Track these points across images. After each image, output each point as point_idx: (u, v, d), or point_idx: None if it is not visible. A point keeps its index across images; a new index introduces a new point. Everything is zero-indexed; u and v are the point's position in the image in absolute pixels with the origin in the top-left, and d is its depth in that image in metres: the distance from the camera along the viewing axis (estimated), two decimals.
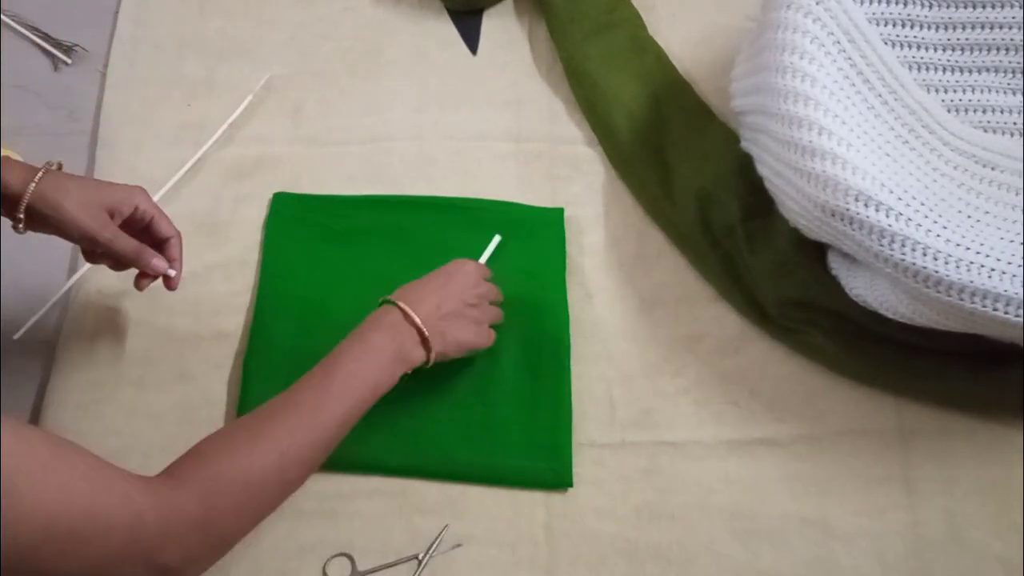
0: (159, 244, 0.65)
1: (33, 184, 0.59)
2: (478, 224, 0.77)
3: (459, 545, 0.66)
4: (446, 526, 0.67)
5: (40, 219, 0.60)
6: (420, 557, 0.66)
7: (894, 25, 0.70)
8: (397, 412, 0.70)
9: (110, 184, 0.64)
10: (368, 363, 0.60)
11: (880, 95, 0.68)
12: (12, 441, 0.41)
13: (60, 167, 0.62)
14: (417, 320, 0.62)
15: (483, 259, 0.74)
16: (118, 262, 0.65)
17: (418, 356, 0.62)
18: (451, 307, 0.64)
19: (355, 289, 0.74)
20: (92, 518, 0.44)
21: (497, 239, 0.75)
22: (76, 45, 0.86)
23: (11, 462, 0.41)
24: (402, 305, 0.62)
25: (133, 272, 0.75)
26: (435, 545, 0.66)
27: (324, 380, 0.58)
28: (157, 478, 0.52)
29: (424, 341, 0.62)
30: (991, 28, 0.70)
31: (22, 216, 0.59)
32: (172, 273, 0.65)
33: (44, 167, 0.60)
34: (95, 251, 0.64)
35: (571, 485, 0.68)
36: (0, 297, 0.75)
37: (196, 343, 0.73)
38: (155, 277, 0.65)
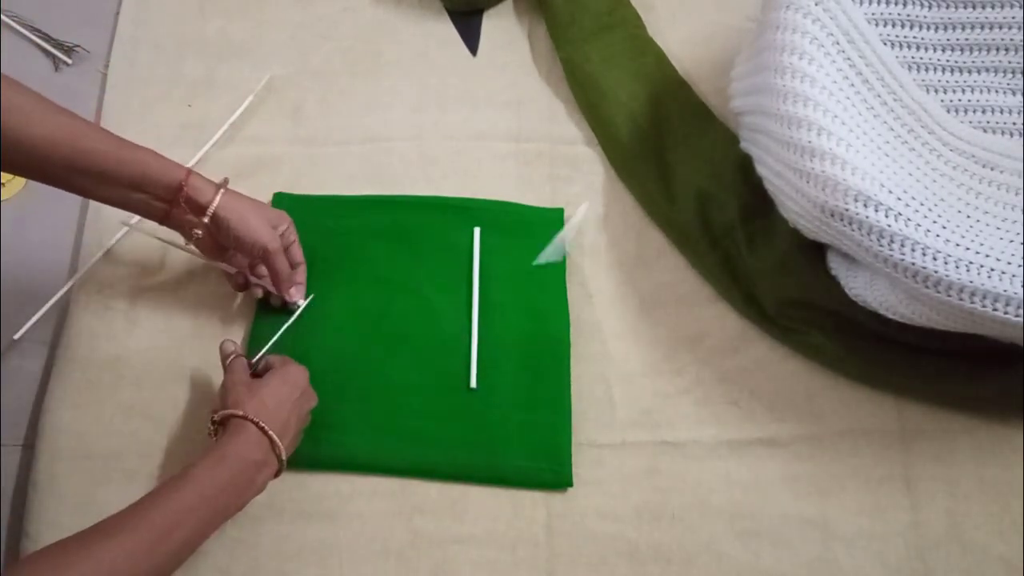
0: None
1: (220, 193, 0.64)
2: (478, 224, 0.77)
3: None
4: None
5: (220, 225, 0.65)
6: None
7: (893, 25, 0.70)
8: (397, 412, 0.70)
9: (266, 205, 0.69)
10: (221, 481, 0.57)
11: (879, 95, 0.68)
12: None
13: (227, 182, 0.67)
14: (271, 433, 0.59)
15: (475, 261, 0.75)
16: (243, 283, 0.71)
17: (272, 469, 0.60)
18: (288, 412, 0.62)
19: (355, 289, 0.74)
20: None
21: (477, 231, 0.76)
22: (76, 45, 0.86)
23: None
24: (259, 423, 0.59)
25: (132, 272, 0.76)
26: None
27: (177, 495, 0.55)
28: None
29: (277, 452, 0.60)
30: (991, 28, 0.70)
31: (208, 221, 0.64)
32: (302, 304, 0.72)
33: (221, 184, 0.65)
34: (254, 264, 0.70)
35: (571, 485, 0.68)
36: (0, 297, 0.75)
37: (196, 343, 0.73)
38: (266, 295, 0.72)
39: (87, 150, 0.60)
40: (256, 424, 0.59)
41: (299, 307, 0.72)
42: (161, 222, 0.66)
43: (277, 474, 0.61)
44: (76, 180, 0.61)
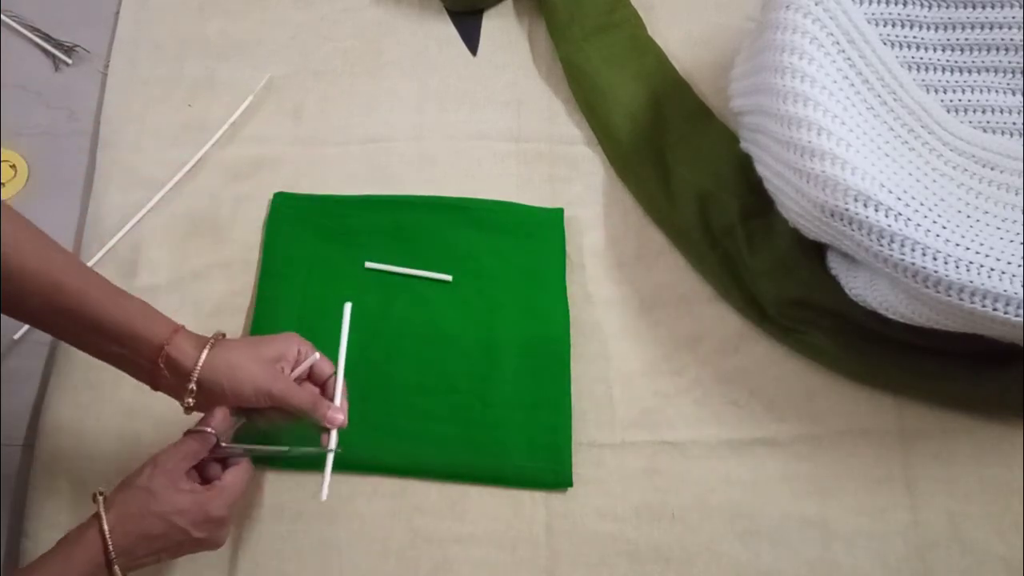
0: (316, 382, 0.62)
1: (205, 351, 0.56)
2: (478, 224, 0.77)
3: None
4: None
5: (211, 387, 0.57)
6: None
7: (893, 25, 0.70)
8: (397, 412, 0.70)
9: (266, 338, 0.61)
10: None
11: (879, 95, 0.68)
12: None
13: (223, 336, 0.59)
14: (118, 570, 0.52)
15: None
16: (287, 416, 0.60)
17: None
18: (166, 552, 0.55)
19: (355, 289, 0.74)
20: None
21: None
22: (77, 45, 0.86)
23: None
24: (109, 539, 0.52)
25: (132, 272, 0.76)
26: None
27: None
28: None
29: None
30: (991, 28, 0.70)
31: (194, 388, 0.56)
32: (344, 423, 0.60)
33: (212, 338, 0.58)
34: (266, 411, 0.60)
35: (571, 485, 0.68)
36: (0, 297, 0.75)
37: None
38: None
39: (69, 290, 0.54)
40: (102, 533, 0.52)
41: (344, 425, 0.60)
42: (153, 387, 0.59)
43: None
44: (53, 321, 0.56)
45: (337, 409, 0.60)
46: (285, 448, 0.60)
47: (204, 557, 0.64)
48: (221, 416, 0.57)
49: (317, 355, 0.61)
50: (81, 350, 0.58)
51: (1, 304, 0.54)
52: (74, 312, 0.55)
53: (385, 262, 0.76)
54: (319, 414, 0.59)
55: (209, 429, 0.56)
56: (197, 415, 0.59)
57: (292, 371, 0.60)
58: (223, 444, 0.57)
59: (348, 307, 0.64)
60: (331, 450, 0.59)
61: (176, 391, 0.58)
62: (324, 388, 0.62)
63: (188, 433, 0.57)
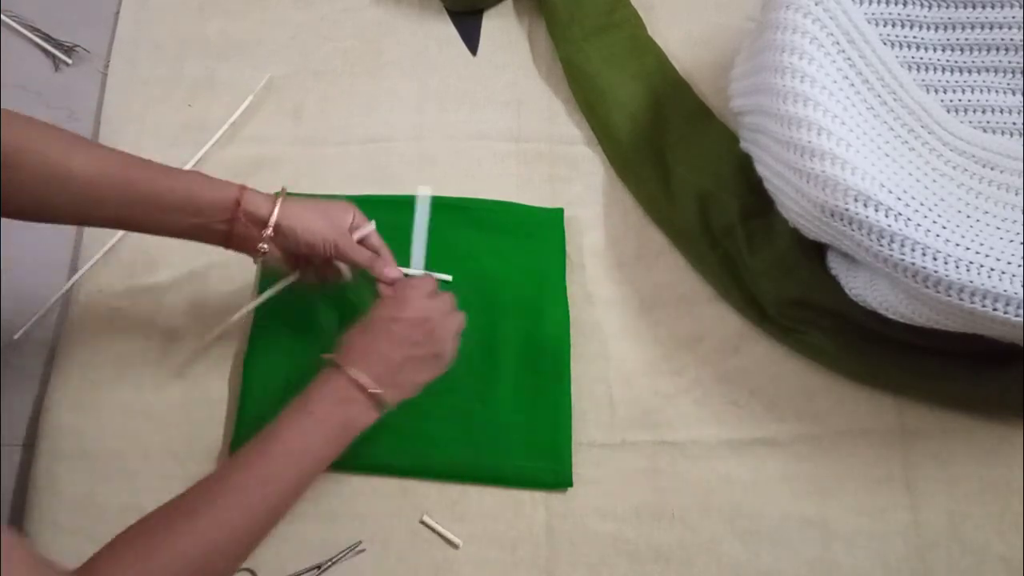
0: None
1: (278, 204, 0.61)
2: (478, 224, 0.77)
3: (362, 550, 0.66)
4: (359, 543, 0.66)
5: (286, 233, 0.62)
6: (321, 565, 0.65)
7: (893, 25, 0.70)
8: (397, 412, 0.70)
9: (327, 202, 0.66)
10: (312, 438, 0.57)
11: (879, 95, 0.68)
12: None
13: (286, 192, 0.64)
14: (366, 383, 0.58)
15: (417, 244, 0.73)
16: (336, 273, 0.68)
17: (368, 420, 0.59)
18: (402, 354, 0.60)
19: (354, 289, 0.74)
20: None
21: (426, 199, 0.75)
22: (77, 45, 0.86)
23: None
24: (350, 372, 0.58)
25: (132, 272, 0.76)
26: (339, 555, 0.65)
27: (264, 458, 0.55)
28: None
29: (375, 401, 0.59)
30: (991, 28, 0.70)
31: (272, 233, 0.61)
32: (400, 277, 0.67)
33: (282, 191, 0.63)
34: (328, 261, 0.66)
35: (571, 485, 0.68)
36: (0, 297, 0.75)
37: (196, 342, 0.73)
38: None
39: (137, 179, 0.57)
40: (334, 363, 0.59)
41: (399, 280, 0.66)
42: (224, 245, 0.63)
43: (379, 406, 0.59)
44: (129, 212, 0.59)
45: (392, 266, 0.67)
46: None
47: None
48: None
49: (372, 225, 0.67)
50: (156, 234, 0.60)
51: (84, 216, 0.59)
52: (144, 199, 0.58)
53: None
54: (376, 269, 0.66)
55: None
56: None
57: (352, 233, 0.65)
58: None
59: (425, 196, 0.73)
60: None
61: (250, 242, 0.62)
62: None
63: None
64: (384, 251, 0.67)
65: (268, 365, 0.71)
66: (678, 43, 0.86)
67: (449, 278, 0.75)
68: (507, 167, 0.81)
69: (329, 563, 0.65)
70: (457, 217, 0.77)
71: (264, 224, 0.61)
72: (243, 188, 0.61)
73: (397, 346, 0.60)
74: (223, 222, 0.61)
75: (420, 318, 0.62)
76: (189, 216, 0.59)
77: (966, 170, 0.67)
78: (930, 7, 0.70)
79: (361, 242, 0.66)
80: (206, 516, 0.52)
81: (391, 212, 0.78)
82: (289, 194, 0.63)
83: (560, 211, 0.78)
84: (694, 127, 0.80)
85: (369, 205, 0.78)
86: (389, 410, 0.60)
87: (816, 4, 0.65)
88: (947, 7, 0.70)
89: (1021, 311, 0.57)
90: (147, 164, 0.59)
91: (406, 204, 0.78)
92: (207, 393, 0.71)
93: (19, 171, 0.54)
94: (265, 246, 0.61)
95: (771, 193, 0.70)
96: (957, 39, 0.70)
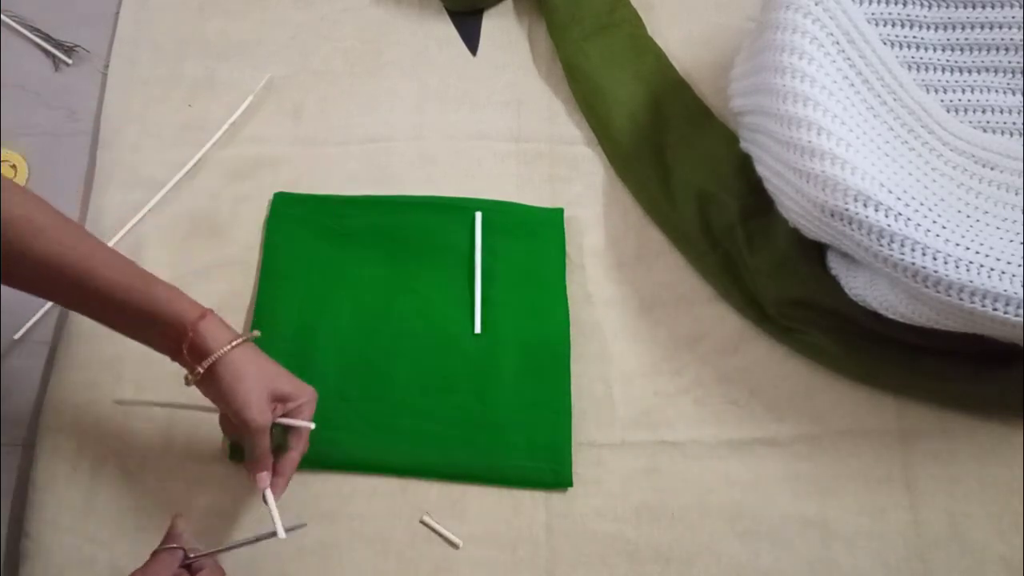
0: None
1: (229, 347, 0.58)
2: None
3: (302, 524, 0.61)
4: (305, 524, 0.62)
5: (213, 381, 0.59)
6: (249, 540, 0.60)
7: (893, 25, 0.70)
8: (397, 412, 0.70)
9: (288, 377, 0.62)
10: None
11: (879, 95, 0.68)
12: None
13: (252, 341, 0.61)
14: None
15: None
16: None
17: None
18: None
19: (355, 289, 0.75)
20: None
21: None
22: (77, 45, 0.86)
23: None
24: None
25: None
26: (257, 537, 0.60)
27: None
28: None
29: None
30: (991, 28, 0.70)
31: (202, 372, 0.58)
32: (268, 497, 0.61)
33: (245, 336, 0.60)
34: (233, 424, 0.61)
35: (571, 485, 0.68)
36: (0, 297, 0.75)
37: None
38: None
39: (97, 276, 0.56)
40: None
41: (265, 498, 0.60)
42: (172, 358, 0.61)
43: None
44: (83, 304, 0.58)
45: (266, 479, 0.60)
46: (251, 537, 0.60)
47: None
48: (183, 526, 0.59)
49: (312, 426, 0.62)
50: (111, 328, 0.60)
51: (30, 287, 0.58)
52: (99, 296, 0.57)
53: (385, 262, 0.76)
54: (255, 466, 0.60)
55: (175, 545, 0.57)
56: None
57: (281, 414, 0.61)
58: (191, 556, 0.58)
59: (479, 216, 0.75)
60: (288, 531, 0.59)
61: (189, 366, 0.59)
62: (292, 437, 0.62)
63: (156, 553, 0.57)
64: (286, 461, 0.62)
65: None
66: (678, 43, 0.86)
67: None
68: (507, 167, 0.81)
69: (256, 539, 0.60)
70: (457, 217, 0.77)
71: (202, 358, 0.58)
72: (203, 316, 0.58)
73: None
74: (173, 342, 0.58)
75: None
76: (141, 325, 0.58)
77: (966, 170, 0.67)
78: (930, 7, 0.70)
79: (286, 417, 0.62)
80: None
81: (391, 212, 0.78)
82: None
83: (560, 211, 0.78)
84: (694, 127, 0.80)
85: (369, 205, 0.78)
86: None
87: (816, 4, 0.65)
88: (947, 7, 0.70)
89: (1021, 311, 0.57)
90: (117, 263, 0.57)
91: (406, 204, 0.78)
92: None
93: None
94: (192, 378, 0.59)
95: (771, 193, 0.70)
96: (957, 39, 0.70)
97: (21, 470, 0.70)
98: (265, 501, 0.60)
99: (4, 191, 0.54)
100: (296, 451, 0.62)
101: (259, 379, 0.59)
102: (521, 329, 0.73)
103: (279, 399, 0.61)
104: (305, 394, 0.62)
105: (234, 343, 0.59)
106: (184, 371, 0.60)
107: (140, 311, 0.57)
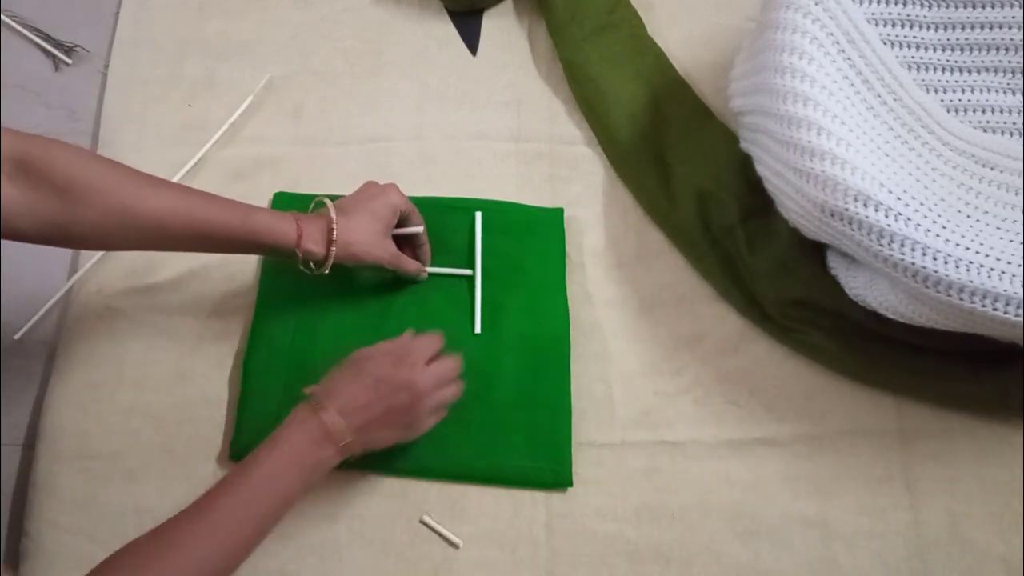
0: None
1: (334, 240, 0.65)
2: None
3: None
4: None
5: (341, 258, 0.66)
6: None
7: (893, 25, 0.70)
8: None
9: (371, 200, 0.68)
10: (281, 480, 0.57)
11: (879, 95, 0.68)
12: None
13: (331, 211, 0.66)
14: (337, 436, 0.58)
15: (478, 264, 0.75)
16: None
17: (334, 462, 0.60)
18: (381, 409, 0.60)
19: (355, 289, 0.74)
20: None
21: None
22: (77, 45, 0.86)
23: None
24: (325, 419, 0.58)
25: (132, 272, 0.76)
26: None
27: (236, 500, 0.55)
28: None
29: (342, 449, 0.59)
30: (991, 28, 0.70)
31: (327, 271, 0.66)
32: (423, 272, 0.74)
33: (330, 226, 0.65)
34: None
35: (571, 485, 0.68)
36: (0, 297, 0.75)
37: (196, 343, 0.73)
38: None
39: (201, 220, 0.61)
40: (312, 402, 0.59)
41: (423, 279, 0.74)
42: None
43: (347, 451, 0.60)
44: (194, 247, 0.63)
45: (422, 270, 0.73)
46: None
47: None
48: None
49: (420, 228, 0.72)
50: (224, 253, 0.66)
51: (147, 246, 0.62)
52: (212, 239, 0.62)
53: None
54: (411, 273, 0.72)
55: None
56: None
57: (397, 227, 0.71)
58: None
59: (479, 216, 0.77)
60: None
61: (308, 265, 0.67)
62: (415, 250, 0.74)
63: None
64: (423, 251, 0.74)
65: (268, 365, 0.71)
66: (678, 43, 0.86)
67: (469, 273, 0.75)
68: (507, 167, 0.81)
69: None
70: (457, 217, 0.77)
71: (321, 264, 0.66)
72: (299, 224, 0.64)
73: (378, 402, 0.60)
74: (283, 254, 0.65)
75: (408, 382, 0.61)
76: (252, 249, 0.65)
77: (966, 170, 0.67)
78: (930, 7, 0.70)
79: (404, 238, 0.72)
80: (183, 550, 0.53)
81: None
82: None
83: (560, 211, 0.78)
84: (694, 127, 0.80)
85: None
86: (351, 457, 0.61)
87: (816, 4, 0.65)
88: (947, 7, 0.70)
89: (1021, 311, 0.57)
90: (210, 203, 0.62)
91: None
92: (207, 393, 0.71)
93: (89, 209, 0.56)
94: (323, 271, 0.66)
95: (771, 193, 0.70)
96: (957, 39, 0.70)
97: (21, 470, 0.70)
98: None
99: (96, 164, 0.58)
100: (424, 245, 0.73)
101: (367, 234, 0.67)
102: (521, 329, 0.73)
103: (387, 224, 0.69)
104: (389, 192, 0.69)
105: (333, 240, 0.65)
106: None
107: (247, 243, 0.64)
